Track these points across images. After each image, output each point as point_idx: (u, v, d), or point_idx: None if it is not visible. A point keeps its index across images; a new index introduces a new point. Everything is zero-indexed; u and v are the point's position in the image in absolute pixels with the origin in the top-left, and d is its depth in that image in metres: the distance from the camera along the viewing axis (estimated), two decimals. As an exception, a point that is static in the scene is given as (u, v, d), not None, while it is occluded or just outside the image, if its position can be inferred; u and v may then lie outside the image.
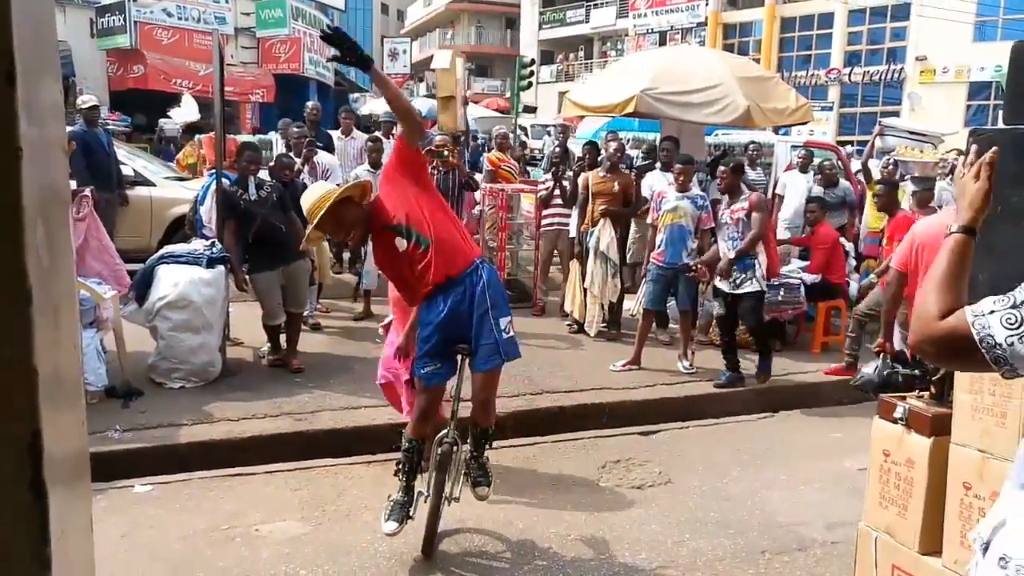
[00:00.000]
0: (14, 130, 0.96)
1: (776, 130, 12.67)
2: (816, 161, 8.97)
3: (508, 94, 28.93)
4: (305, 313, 6.44)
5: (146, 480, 3.98)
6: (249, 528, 3.64)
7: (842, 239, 7.43)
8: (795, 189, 8.38)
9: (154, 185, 8.17)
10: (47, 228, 1.10)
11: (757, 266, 5.66)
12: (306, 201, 3.19)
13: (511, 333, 3.27)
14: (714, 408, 5.57)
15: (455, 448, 3.46)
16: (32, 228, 1.00)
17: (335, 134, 9.02)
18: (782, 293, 6.57)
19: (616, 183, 6.84)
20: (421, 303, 3.29)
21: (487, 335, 3.20)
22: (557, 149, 8.20)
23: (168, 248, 5.58)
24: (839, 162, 9.40)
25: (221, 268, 5.33)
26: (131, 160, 8.33)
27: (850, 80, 27.00)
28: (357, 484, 4.21)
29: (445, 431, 3.46)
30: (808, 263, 6.99)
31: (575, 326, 7.15)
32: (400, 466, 3.44)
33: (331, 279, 7.59)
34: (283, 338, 5.82)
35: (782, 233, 7.89)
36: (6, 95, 0.95)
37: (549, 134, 13.93)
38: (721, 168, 5.93)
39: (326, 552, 3.47)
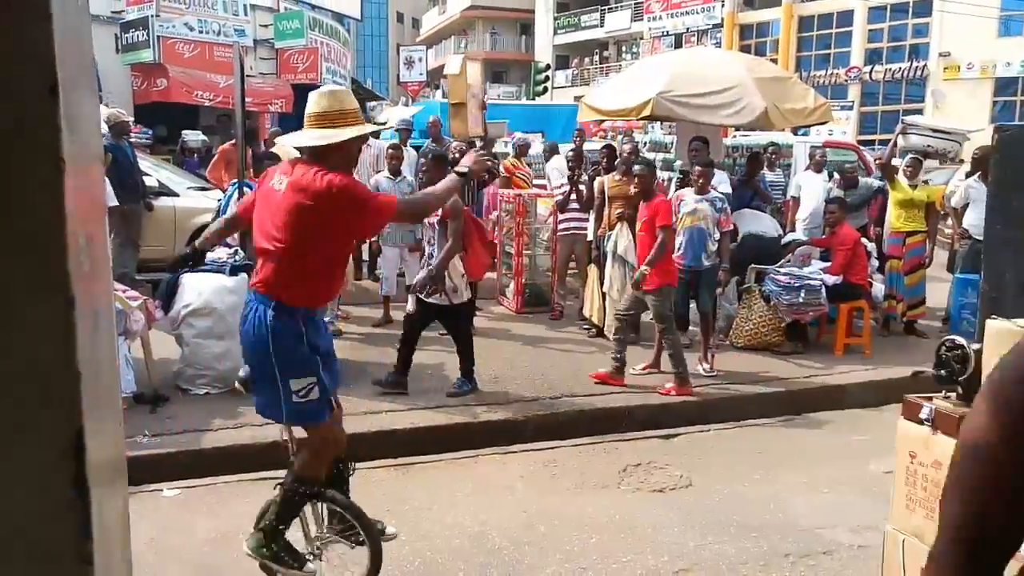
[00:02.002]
0: (58, 142, 0.99)
1: (795, 131, 12.59)
2: (834, 159, 8.93)
3: (524, 100, 29.01)
4: (326, 319, 6.50)
5: (173, 484, 4.04)
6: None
7: (863, 240, 7.39)
8: (811, 190, 8.33)
9: (178, 195, 8.30)
10: (87, 236, 1.14)
11: (447, 279, 5.20)
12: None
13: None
14: (735, 411, 5.55)
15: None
16: (74, 236, 1.03)
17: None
18: (803, 295, 6.54)
19: (632, 185, 6.83)
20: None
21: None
22: (571, 154, 8.21)
23: (192, 256, 5.66)
24: (860, 162, 9.34)
25: (244, 276, 5.38)
26: (155, 171, 8.48)
27: (871, 78, 26.79)
28: (378, 488, 4.24)
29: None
30: (829, 264, 6.94)
31: (593, 330, 7.15)
32: None
33: (352, 285, 7.66)
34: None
35: (801, 235, 7.84)
36: (50, 108, 0.99)
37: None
38: (422, 160, 5.82)
39: (351, 555, 3.50)
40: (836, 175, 8.53)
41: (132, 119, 14.10)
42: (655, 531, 3.81)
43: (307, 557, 3.05)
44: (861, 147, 12.33)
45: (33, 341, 0.99)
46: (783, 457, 4.81)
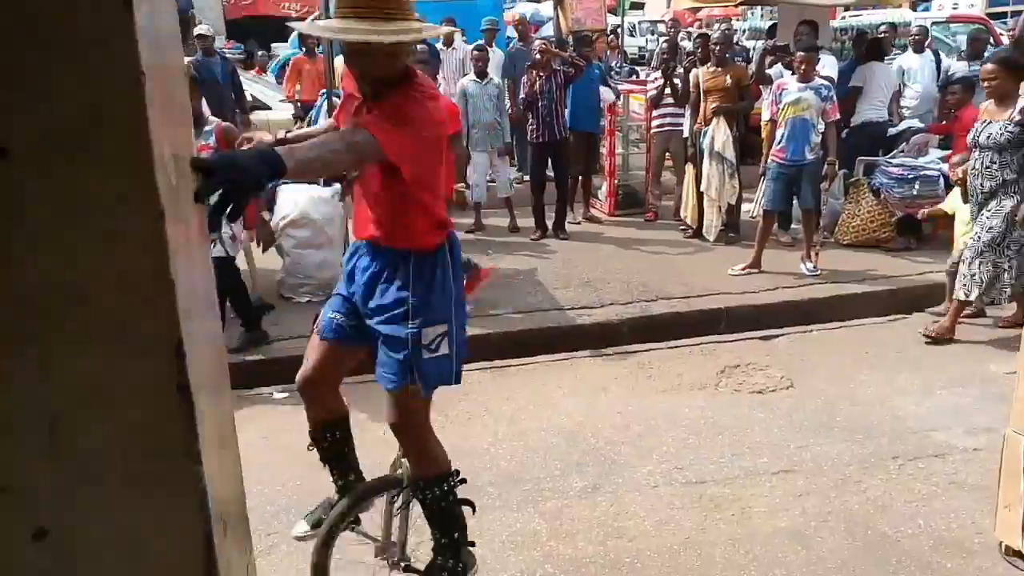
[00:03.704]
0: (135, 55, 0.98)
1: (914, 6, 11.51)
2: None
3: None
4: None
5: (283, 387, 4.27)
6: (376, 431, 3.82)
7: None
8: (915, 72, 7.60)
9: (270, 108, 8.43)
10: (173, 148, 1.14)
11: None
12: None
13: (440, 352, 2.20)
14: (840, 311, 5.33)
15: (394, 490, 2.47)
16: (159, 148, 1.03)
17: (438, 45, 8.94)
18: (918, 187, 6.10)
19: (728, 76, 6.45)
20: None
21: (389, 343, 2.18)
22: (665, 44, 7.77)
23: (287, 169, 5.77)
24: (990, 36, 8.45)
25: (337, 186, 5.47)
26: (248, 86, 8.60)
27: (1003, -58, 23.93)
28: (476, 389, 4.35)
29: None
30: (949, 152, 6.41)
31: (690, 231, 6.95)
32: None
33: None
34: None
35: (912, 122, 7.22)
36: (125, 20, 0.96)
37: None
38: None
39: (451, 454, 3.58)
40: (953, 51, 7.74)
41: (223, 35, 14.31)
42: (754, 432, 3.76)
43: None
44: (991, 20, 11.14)
45: (127, 253, 1.01)
46: (892, 358, 4.61)
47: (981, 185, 4.54)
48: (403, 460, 2.45)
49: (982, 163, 4.51)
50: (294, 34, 12.38)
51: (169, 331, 1.05)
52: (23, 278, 0.98)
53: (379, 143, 1.92)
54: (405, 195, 2.08)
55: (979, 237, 4.55)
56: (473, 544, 2.46)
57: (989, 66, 4.61)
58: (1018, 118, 4.35)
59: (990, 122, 4.50)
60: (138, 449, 1.07)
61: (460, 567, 2.38)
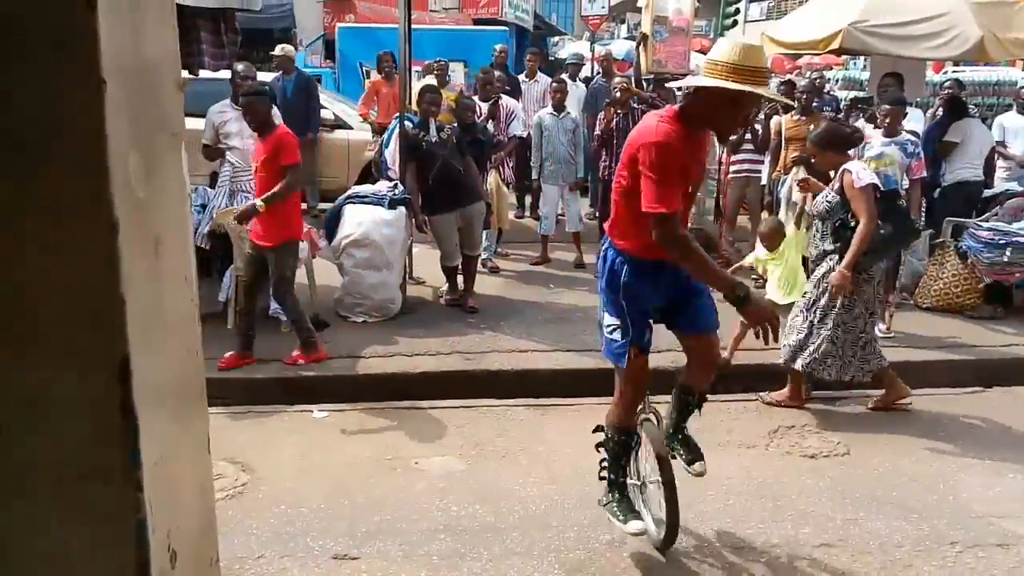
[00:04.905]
0: (96, 59, 0.96)
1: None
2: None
3: (712, 35, 27.36)
4: (484, 256, 6.58)
5: (324, 406, 4.29)
6: (409, 460, 3.81)
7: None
8: (1016, 133, 7.15)
9: (351, 128, 8.63)
10: (146, 160, 1.13)
11: None
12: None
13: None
14: (911, 377, 4.94)
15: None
16: (120, 160, 1.02)
17: (520, 76, 9.02)
18: (1009, 253, 5.70)
19: (812, 126, 6.22)
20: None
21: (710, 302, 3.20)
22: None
23: (354, 189, 5.90)
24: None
25: (402, 209, 5.55)
26: (331, 105, 8.82)
27: None
28: (517, 426, 4.27)
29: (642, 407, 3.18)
30: (1048, 219, 5.98)
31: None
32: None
33: (508, 224, 7.66)
34: (461, 279, 5.98)
35: (1003, 184, 6.77)
36: (87, 22, 0.95)
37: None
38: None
39: (479, 491, 3.55)
40: None
41: (322, 54, 14.82)
42: (800, 499, 3.54)
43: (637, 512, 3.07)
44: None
45: (75, 265, 0.99)
46: (963, 433, 4.27)
47: (811, 252, 4.55)
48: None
49: (813, 230, 4.51)
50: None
51: (114, 348, 1.02)
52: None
53: None
54: None
55: (809, 306, 4.43)
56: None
57: (808, 143, 4.79)
58: (837, 185, 4.27)
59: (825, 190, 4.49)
60: (74, 468, 1.05)
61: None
